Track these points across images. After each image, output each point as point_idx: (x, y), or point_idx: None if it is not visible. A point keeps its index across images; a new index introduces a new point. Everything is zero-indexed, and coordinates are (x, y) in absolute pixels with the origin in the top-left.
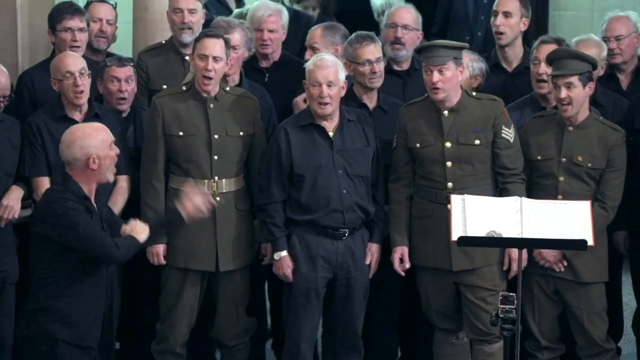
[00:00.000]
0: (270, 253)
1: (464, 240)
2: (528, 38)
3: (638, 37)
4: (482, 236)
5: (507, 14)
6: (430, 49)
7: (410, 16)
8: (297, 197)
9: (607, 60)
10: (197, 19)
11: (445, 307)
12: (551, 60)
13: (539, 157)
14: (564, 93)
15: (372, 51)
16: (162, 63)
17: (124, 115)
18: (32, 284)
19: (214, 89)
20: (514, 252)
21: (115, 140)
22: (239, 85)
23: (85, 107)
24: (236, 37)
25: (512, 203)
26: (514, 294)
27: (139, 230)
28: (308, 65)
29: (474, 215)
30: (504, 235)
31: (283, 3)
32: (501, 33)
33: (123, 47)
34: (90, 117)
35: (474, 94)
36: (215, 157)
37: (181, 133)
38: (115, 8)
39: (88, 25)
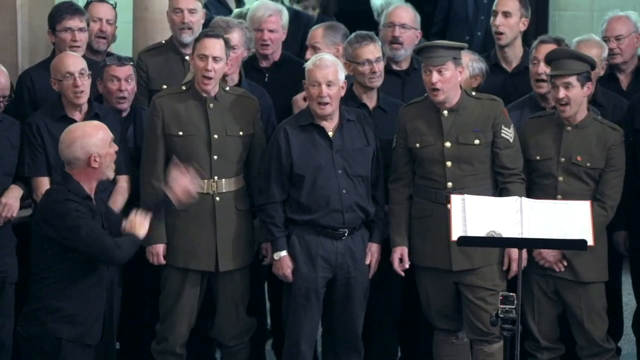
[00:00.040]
0: (270, 253)
1: (464, 240)
2: (528, 38)
3: (638, 37)
4: (482, 236)
5: (506, 14)
6: (429, 49)
7: (407, 15)
8: (296, 197)
9: (607, 61)
10: (197, 19)
11: (445, 307)
12: (549, 60)
13: (538, 157)
14: (562, 93)
15: (372, 51)
16: (162, 63)
17: (124, 115)
18: (34, 284)
19: (214, 89)
20: (514, 252)
21: (114, 137)
22: (238, 85)
23: (85, 107)
24: (235, 36)
25: (512, 203)
26: (513, 294)
27: (138, 225)
28: (308, 65)
29: (474, 215)
30: (504, 235)
31: (283, 3)
32: (501, 33)
33: (123, 47)
34: (90, 117)
35: (473, 93)
36: (215, 157)
37: (181, 133)
38: (115, 8)
39: (88, 25)
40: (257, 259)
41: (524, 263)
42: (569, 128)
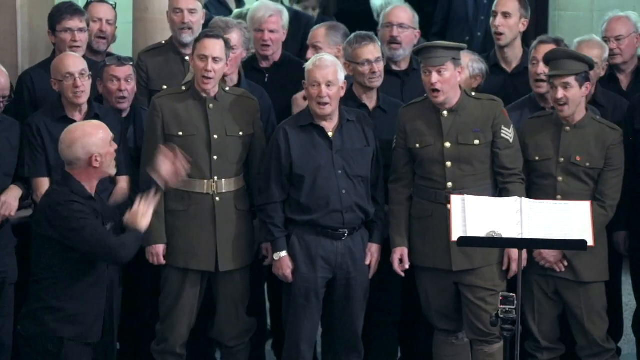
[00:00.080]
0: (271, 253)
1: (464, 241)
2: (528, 38)
3: (638, 37)
4: (482, 236)
5: (506, 15)
6: (428, 49)
7: (405, 15)
8: (296, 197)
9: (607, 61)
10: (197, 19)
11: (445, 307)
12: (548, 60)
13: (537, 158)
14: (560, 93)
15: (372, 51)
16: (162, 63)
17: (124, 115)
18: (34, 284)
19: (214, 89)
20: (514, 252)
21: (114, 137)
22: (238, 85)
23: (85, 108)
24: (234, 37)
25: (512, 203)
26: (513, 294)
27: (141, 216)
28: (307, 65)
29: (474, 215)
30: (504, 236)
31: (283, 3)
32: (500, 34)
33: (123, 47)
34: (90, 117)
35: (473, 94)
36: (215, 157)
37: (181, 133)
38: (115, 8)
39: (88, 25)
40: (257, 259)
41: (524, 263)
42: (568, 128)
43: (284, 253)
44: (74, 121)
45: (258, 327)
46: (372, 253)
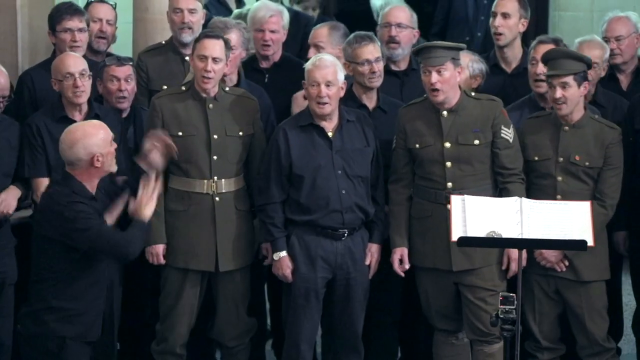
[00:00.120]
0: (271, 254)
1: (464, 241)
2: (528, 39)
3: (638, 37)
4: (482, 237)
5: (505, 15)
6: (428, 49)
7: (403, 14)
8: (296, 197)
9: (607, 61)
10: (197, 19)
11: (445, 307)
12: (546, 60)
13: (536, 158)
14: (559, 93)
15: (371, 51)
16: (162, 63)
17: (124, 115)
18: (36, 284)
19: (214, 90)
20: (514, 251)
21: (114, 136)
22: (237, 85)
23: (85, 108)
24: (233, 37)
25: (512, 203)
26: (513, 295)
27: (144, 205)
28: (307, 65)
29: (474, 215)
30: (504, 236)
31: (282, 3)
32: (500, 34)
33: (123, 47)
34: (91, 117)
35: (472, 94)
36: (215, 157)
37: (180, 133)
38: (115, 8)
39: (88, 25)
40: (257, 259)
41: (524, 263)
42: (567, 128)
43: (283, 253)
44: (74, 121)
45: (258, 328)
46: (372, 253)
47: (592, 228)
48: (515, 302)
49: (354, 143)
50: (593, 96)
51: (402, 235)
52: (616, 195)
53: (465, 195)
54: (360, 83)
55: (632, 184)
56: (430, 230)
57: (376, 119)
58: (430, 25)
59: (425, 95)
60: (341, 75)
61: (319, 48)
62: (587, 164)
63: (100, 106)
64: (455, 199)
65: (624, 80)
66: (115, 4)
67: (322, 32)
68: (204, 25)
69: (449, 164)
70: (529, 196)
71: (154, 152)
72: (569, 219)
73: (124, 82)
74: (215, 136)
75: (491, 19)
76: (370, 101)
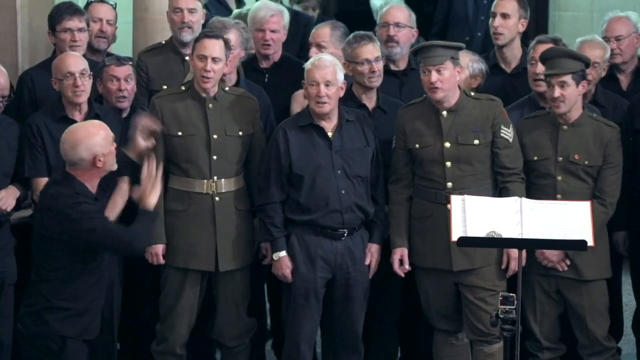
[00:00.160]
0: (270, 253)
1: (464, 241)
2: (528, 39)
3: (638, 37)
4: (482, 237)
5: (505, 16)
6: (427, 48)
7: (401, 14)
8: (296, 197)
9: (608, 61)
10: (197, 19)
11: (445, 307)
12: (544, 59)
13: (536, 158)
14: (557, 92)
15: (371, 50)
16: (162, 63)
17: (124, 115)
18: (39, 284)
19: (213, 89)
20: (514, 250)
21: (114, 136)
22: (236, 85)
23: (85, 107)
24: (232, 37)
25: (512, 203)
26: (513, 295)
27: (149, 193)
28: (307, 65)
29: (474, 215)
30: (504, 236)
31: (282, 3)
32: (499, 34)
33: (123, 47)
34: (91, 117)
35: (472, 94)
36: (214, 157)
37: (180, 133)
38: (115, 8)
39: (88, 25)
40: (257, 259)
41: (523, 262)
42: (565, 127)
43: (283, 253)
44: (74, 121)
45: (258, 328)
46: (372, 253)
47: (592, 228)
48: (515, 302)
49: (353, 143)
50: (593, 96)
51: (402, 235)
52: (616, 193)
53: (465, 195)
54: (360, 83)
55: (632, 184)
56: (430, 230)
57: (376, 118)
58: (430, 25)
59: (424, 96)
60: (341, 75)
61: (321, 47)
62: (586, 162)
63: (100, 106)
64: (455, 199)
65: (624, 80)
66: (116, 4)
67: (324, 32)
68: (204, 26)
69: (448, 163)
70: (529, 196)
71: (138, 139)
72: (569, 219)
73: (124, 82)
74: (215, 136)
75: (490, 19)
76: (370, 101)
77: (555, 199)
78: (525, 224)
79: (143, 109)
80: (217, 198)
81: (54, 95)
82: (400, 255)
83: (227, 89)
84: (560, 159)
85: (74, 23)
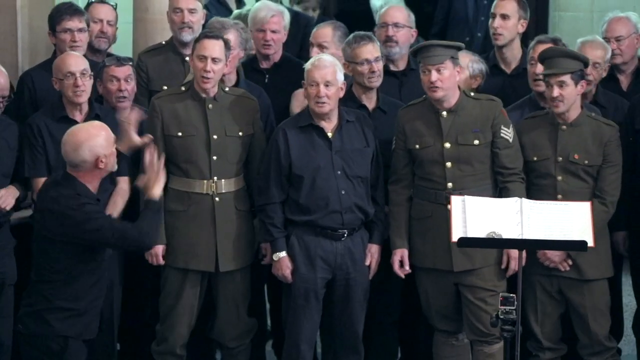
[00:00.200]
0: (270, 253)
1: (464, 242)
2: (528, 39)
3: (638, 37)
4: (483, 237)
5: (504, 16)
6: (427, 48)
7: (400, 14)
8: (295, 197)
9: (609, 62)
10: (197, 19)
11: (445, 308)
12: (543, 59)
13: (535, 158)
14: (556, 92)
15: (371, 50)
16: (162, 63)
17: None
18: (37, 284)
19: (213, 90)
20: (514, 251)
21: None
22: (236, 85)
23: (85, 108)
24: (231, 37)
25: (512, 204)
26: (514, 295)
27: (153, 183)
28: (306, 65)
29: (474, 216)
30: (504, 236)
31: (282, 4)
32: (499, 34)
33: (123, 47)
34: (91, 118)
35: (472, 94)
36: (214, 158)
37: (180, 133)
38: (115, 9)
39: (88, 25)
40: (257, 259)
41: (523, 262)
42: (564, 127)
43: (283, 253)
44: (75, 121)
45: (258, 328)
46: (372, 254)
47: (592, 228)
48: (516, 302)
49: (353, 143)
50: (594, 96)
51: (402, 236)
52: (616, 192)
53: (466, 196)
54: (360, 83)
55: (632, 184)
56: (430, 231)
57: (376, 119)
58: (430, 25)
59: (424, 96)
60: (340, 75)
61: (322, 48)
62: (586, 162)
63: (100, 107)
64: (455, 200)
65: (624, 80)
66: (116, 5)
67: (326, 32)
68: (204, 26)
69: (448, 164)
70: (529, 196)
71: (132, 133)
72: (569, 220)
73: (124, 82)
74: (215, 136)
75: (490, 20)
76: (369, 101)
77: (555, 199)
78: (526, 225)
79: (143, 109)
80: (217, 198)
81: (54, 96)
82: (401, 256)
83: (227, 89)
84: (560, 158)
85: (74, 23)
